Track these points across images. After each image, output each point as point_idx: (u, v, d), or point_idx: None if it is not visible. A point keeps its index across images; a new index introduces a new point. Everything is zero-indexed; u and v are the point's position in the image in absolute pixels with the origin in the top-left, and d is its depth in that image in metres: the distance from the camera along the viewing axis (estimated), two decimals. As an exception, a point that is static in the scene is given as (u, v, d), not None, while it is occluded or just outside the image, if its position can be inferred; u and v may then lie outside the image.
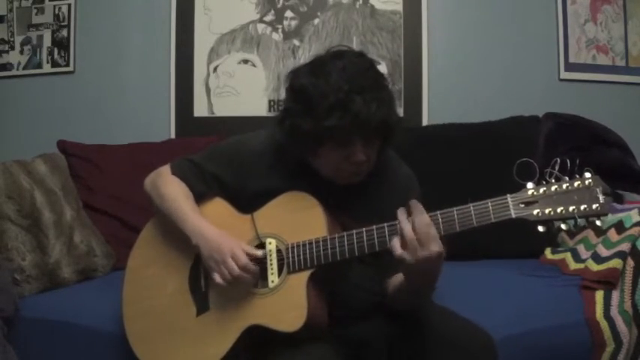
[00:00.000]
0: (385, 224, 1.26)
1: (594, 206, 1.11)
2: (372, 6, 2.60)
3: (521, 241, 1.85)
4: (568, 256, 1.97)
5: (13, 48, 2.66)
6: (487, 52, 2.61)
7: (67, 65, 2.64)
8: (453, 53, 2.62)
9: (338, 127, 1.25)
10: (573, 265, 1.90)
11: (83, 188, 2.25)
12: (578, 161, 1.15)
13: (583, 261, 1.86)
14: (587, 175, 1.14)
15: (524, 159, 1.24)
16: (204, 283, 1.42)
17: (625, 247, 1.74)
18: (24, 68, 2.67)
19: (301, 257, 1.32)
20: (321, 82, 1.28)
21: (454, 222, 1.20)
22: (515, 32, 2.60)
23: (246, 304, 1.35)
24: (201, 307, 1.40)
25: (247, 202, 1.44)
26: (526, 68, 2.60)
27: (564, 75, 2.60)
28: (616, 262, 1.72)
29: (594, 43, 2.62)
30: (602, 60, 2.62)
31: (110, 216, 2.22)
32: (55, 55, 2.65)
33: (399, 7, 2.60)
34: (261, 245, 1.39)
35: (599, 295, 1.70)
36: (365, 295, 1.43)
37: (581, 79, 2.61)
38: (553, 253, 2.08)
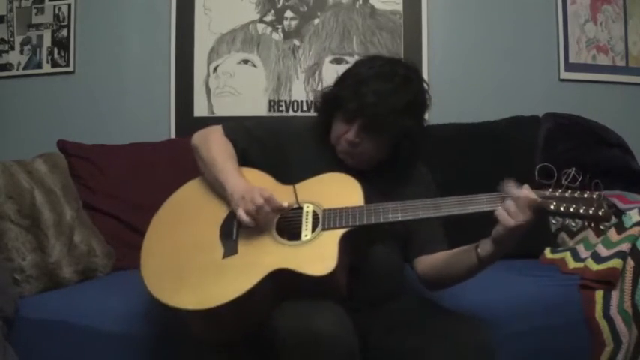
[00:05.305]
0: (418, 201, 1.40)
1: (600, 212, 1.26)
2: (372, 6, 2.60)
3: (520, 241, 1.85)
4: (567, 255, 1.97)
5: (13, 48, 2.66)
6: (487, 52, 2.61)
7: (67, 65, 2.64)
8: (452, 53, 2.62)
9: (344, 100, 1.49)
10: (572, 264, 1.90)
11: (83, 188, 2.25)
12: (588, 176, 1.38)
13: (582, 260, 1.86)
14: (596, 192, 1.30)
15: (545, 164, 1.34)
16: (236, 232, 1.44)
17: (625, 247, 1.74)
18: (24, 68, 2.66)
19: (337, 218, 1.40)
20: (358, 67, 1.55)
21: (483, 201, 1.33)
22: (515, 32, 2.60)
23: (275, 251, 1.38)
24: (229, 251, 1.42)
25: (286, 176, 1.54)
26: (526, 68, 2.60)
27: (564, 75, 2.60)
28: (616, 262, 1.72)
29: (594, 43, 2.62)
30: (602, 60, 2.63)
31: (110, 216, 2.22)
32: (55, 55, 2.65)
33: (399, 7, 2.60)
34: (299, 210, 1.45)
35: (599, 294, 1.70)
36: (379, 283, 1.47)
37: (581, 79, 2.61)
38: (553, 252, 2.08)
